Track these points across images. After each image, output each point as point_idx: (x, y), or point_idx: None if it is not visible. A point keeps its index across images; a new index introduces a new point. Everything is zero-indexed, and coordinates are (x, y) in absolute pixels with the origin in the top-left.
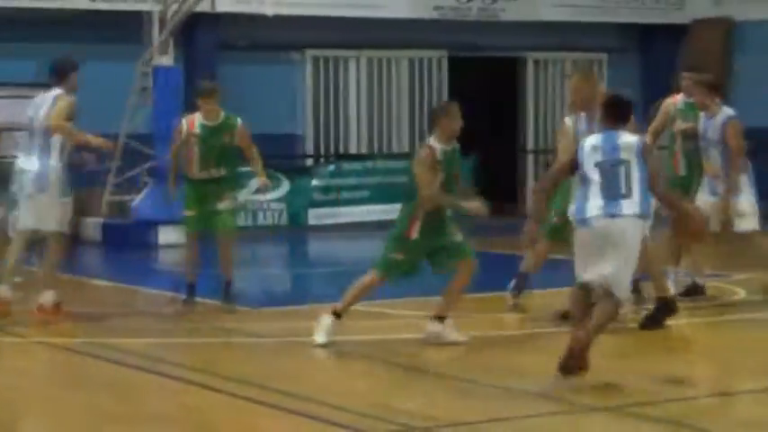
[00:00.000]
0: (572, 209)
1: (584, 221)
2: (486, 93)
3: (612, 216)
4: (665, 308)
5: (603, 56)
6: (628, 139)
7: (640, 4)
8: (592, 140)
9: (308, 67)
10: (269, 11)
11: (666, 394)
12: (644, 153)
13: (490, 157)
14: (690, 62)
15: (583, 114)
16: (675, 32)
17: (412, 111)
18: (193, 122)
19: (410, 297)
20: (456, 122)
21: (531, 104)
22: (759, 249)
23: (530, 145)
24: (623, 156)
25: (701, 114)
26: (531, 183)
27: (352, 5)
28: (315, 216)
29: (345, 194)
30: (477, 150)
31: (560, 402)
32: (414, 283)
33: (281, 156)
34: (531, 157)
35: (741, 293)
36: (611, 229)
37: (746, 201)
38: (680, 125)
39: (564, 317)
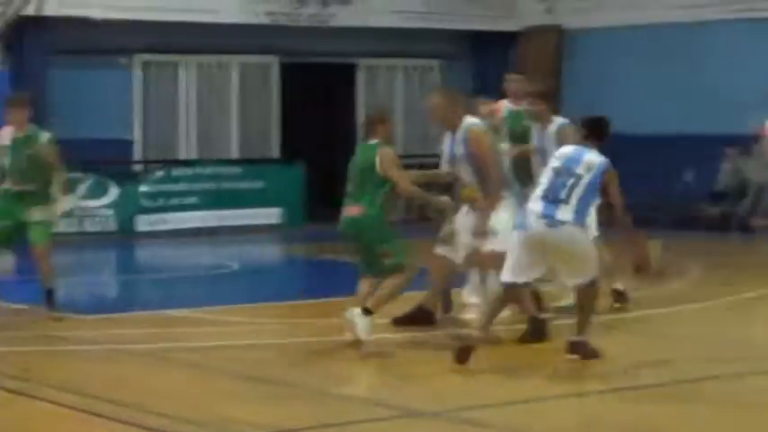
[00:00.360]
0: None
1: (522, 224)
2: (320, 99)
3: (549, 221)
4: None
5: (436, 62)
6: (593, 157)
7: (472, 12)
8: (563, 150)
9: (139, 72)
10: (98, 15)
11: (488, 400)
12: (605, 175)
13: (324, 165)
14: (522, 70)
15: (447, 131)
16: (506, 40)
17: (242, 117)
18: (5, 133)
19: (242, 304)
20: (391, 126)
21: (361, 111)
22: None
23: None
24: (579, 171)
25: (532, 125)
26: None
27: (183, 10)
28: (143, 222)
29: (175, 201)
30: (311, 158)
31: (389, 408)
32: (244, 291)
33: (111, 161)
34: None
35: (570, 299)
36: (551, 236)
37: None
38: (512, 150)
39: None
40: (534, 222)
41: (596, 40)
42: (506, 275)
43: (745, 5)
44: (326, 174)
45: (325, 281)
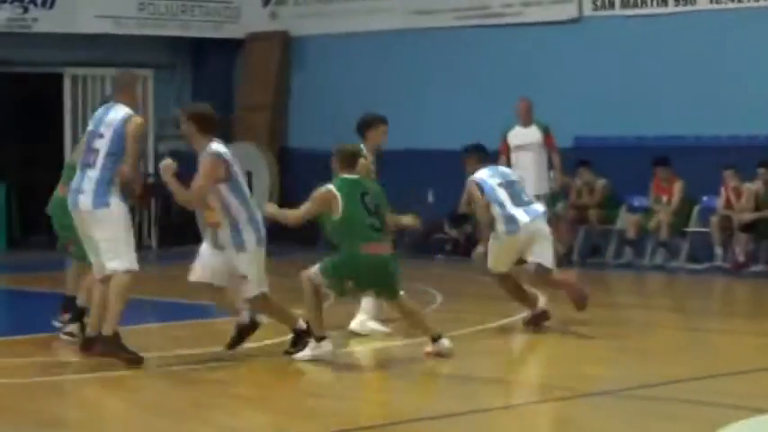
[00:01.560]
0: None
1: (518, 228)
2: (23, 112)
3: (534, 217)
4: None
5: (150, 72)
6: (504, 168)
7: (191, 17)
8: (488, 174)
9: None
10: None
11: None
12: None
13: (30, 184)
14: (247, 79)
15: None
16: (230, 46)
17: None
18: None
19: None
20: None
21: (69, 125)
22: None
23: None
24: (514, 177)
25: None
26: None
27: None
28: None
29: None
30: (12, 177)
31: None
32: None
33: None
34: None
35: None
36: (538, 227)
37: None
38: None
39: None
40: (525, 222)
41: (325, 47)
42: (501, 267)
43: (477, 12)
44: (34, 194)
45: (22, 315)
